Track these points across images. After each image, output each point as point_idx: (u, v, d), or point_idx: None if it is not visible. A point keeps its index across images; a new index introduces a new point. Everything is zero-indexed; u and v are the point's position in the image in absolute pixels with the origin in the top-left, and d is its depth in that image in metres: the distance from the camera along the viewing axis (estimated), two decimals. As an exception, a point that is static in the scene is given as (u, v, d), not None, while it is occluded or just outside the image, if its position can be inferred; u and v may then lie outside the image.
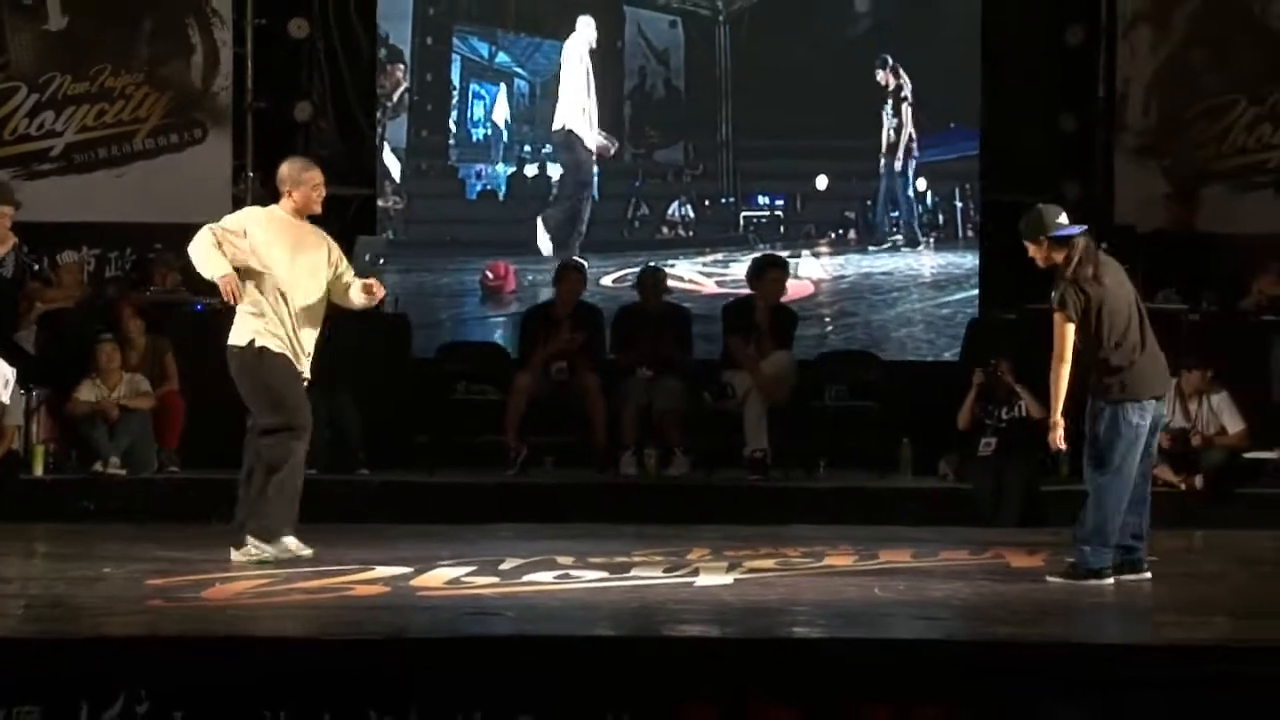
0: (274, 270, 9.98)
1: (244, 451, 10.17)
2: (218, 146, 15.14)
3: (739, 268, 14.84)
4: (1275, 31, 14.84)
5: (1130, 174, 14.52)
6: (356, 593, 9.06)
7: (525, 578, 9.58)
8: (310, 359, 10.14)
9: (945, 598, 9.06)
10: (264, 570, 9.71)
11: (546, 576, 9.63)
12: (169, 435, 13.52)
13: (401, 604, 8.75)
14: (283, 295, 9.98)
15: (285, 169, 10.21)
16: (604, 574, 9.74)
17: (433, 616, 8.43)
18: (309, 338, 10.10)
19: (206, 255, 9.91)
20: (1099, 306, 9.39)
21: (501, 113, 15.42)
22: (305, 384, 10.13)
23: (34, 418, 13.28)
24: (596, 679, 7.18)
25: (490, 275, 15.43)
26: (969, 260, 15.26)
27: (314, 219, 10.29)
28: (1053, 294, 9.45)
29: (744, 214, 15.40)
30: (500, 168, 15.44)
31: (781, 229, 15.36)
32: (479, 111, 15.43)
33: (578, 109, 15.32)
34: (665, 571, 9.89)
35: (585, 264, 14.62)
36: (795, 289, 14.25)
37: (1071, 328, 9.37)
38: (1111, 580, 9.44)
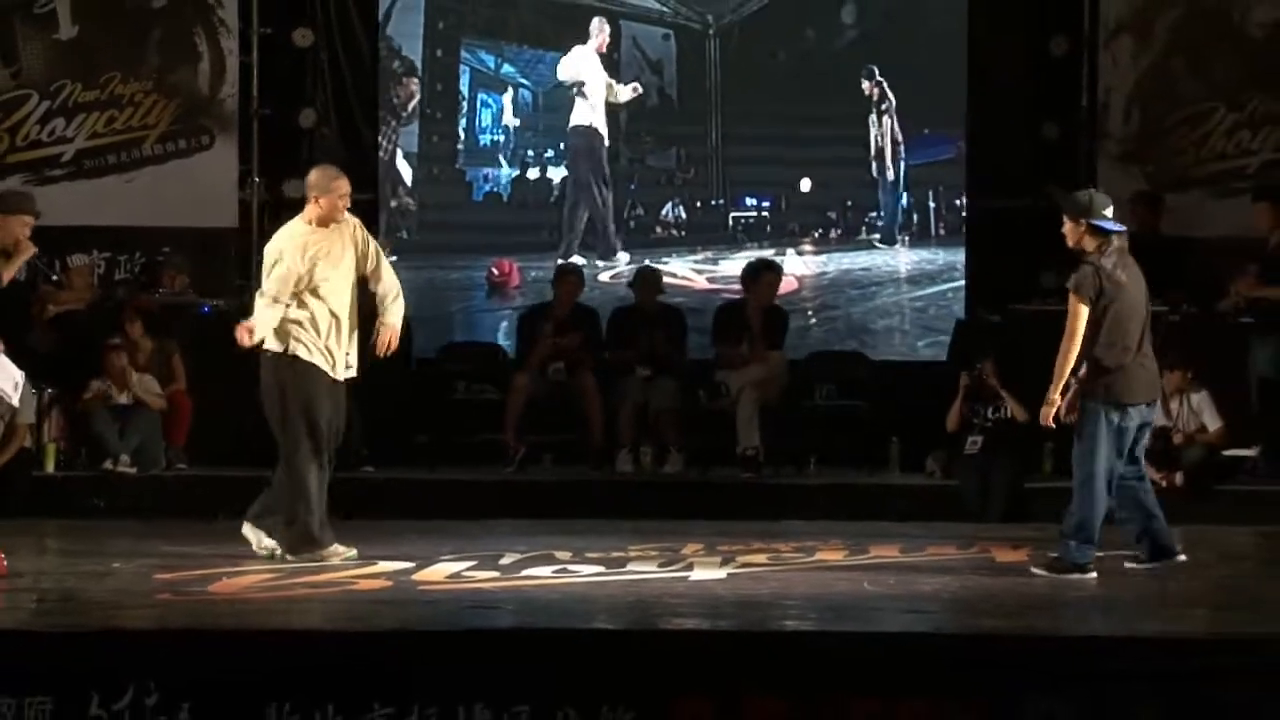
0: (313, 282, 9.94)
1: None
2: (224, 152, 15.17)
3: (728, 265, 15.23)
4: (1254, 39, 14.82)
5: (1113, 180, 14.27)
6: (360, 587, 9.13)
7: (524, 572, 9.66)
8: (352, 356, 10.06)
9: (933, 592, 9.13)
10: (269, 565, 9.79)
11: (545, 571, 9.71)
12: (177, 434, 13.62)
13: (404, 598, 8.84)
14: (321, 300, 9.93)
15: (314, 176, 10.16)
16: (601, 569, 9.81)
17: (434, 610, 8.51)
18: (348, 340, 10.03)
19: (271, 318, 9.92)
20: (1109, 303, 9.47)
21: (507, 120, 15.69)
22: (345, 381, 10.10)
23: (45, 417, 13.34)
24: (594, 671, 7.27)
25: (495, 271, 15.64)
26: (941, 257, 15.49)
27: None
28: (1072, 276, 9.51)
29: (733, 215, 15.68)
30: (505, 171, 15.71)
31: (768, 229, 15.63)
32: (486, 119, 15.70)
33: (597, 104, 15.52)
34: (660, 566, 9.96)
35: (584, 264, 14.89)
36: (781, 284, 14.46)
37: (1085, 309, 9.41)
38: (1094, 575, 9.50)
